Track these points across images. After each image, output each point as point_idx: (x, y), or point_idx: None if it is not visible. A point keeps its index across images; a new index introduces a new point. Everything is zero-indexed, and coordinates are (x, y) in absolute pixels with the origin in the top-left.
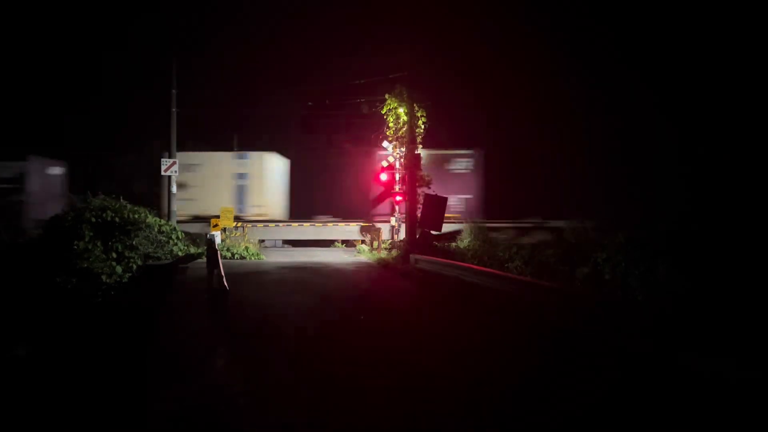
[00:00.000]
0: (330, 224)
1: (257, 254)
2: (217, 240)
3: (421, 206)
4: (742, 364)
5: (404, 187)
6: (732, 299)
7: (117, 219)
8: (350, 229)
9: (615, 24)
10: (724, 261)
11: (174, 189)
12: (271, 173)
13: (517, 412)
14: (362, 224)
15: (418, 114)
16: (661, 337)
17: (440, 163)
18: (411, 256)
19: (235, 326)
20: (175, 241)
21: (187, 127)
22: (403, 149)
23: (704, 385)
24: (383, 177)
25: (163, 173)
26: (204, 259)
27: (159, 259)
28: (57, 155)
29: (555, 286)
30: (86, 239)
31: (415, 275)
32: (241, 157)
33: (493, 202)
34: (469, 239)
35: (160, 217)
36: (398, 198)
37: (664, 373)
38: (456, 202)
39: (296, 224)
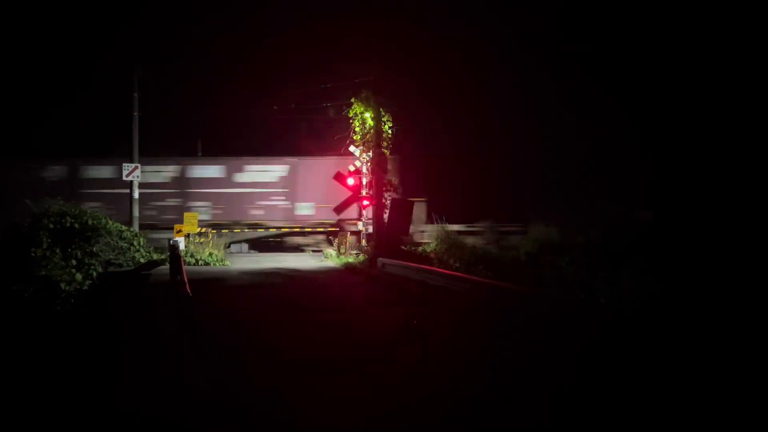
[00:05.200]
0: (296, 229)
1: (222, 260)
2: (181, 246)
3: (388, 210)
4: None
5: (371, 191)
6: (696, 300)
7: (76, 225)
8: (317, 234)
9: (577, 29)
10: (688, 264)
11: (136, 194)
12: None
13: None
14: (329, 229)
15: (384, 119)
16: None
17: None
18: (378, 260)
19: (198, 333)
20: (138, 247)
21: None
22: (370, 153)
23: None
24: (350, 181)
25: (124, 178)
26: (167, 266)
27: (121, 266)
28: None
29: (518, 288)
30: (44, 246)
31: (382, 279)
32: None
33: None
34: (436, 243)
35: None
36: (365, 202)
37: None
38: None
39: (262, 230)
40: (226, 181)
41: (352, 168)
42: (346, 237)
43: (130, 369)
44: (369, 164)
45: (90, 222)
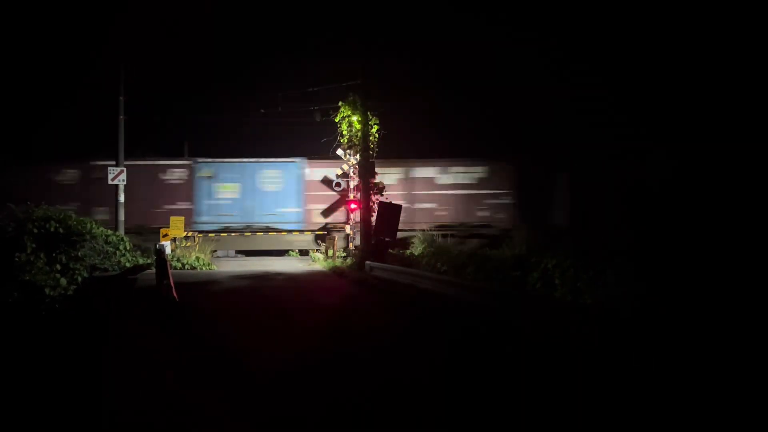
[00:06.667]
0: (284, 232)
1: (208, 264)
2: (167, 250)
3: (375, 214)
4: None
5: (358, 194)
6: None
7: (61, 229)
8: (305, 238)
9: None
10: (671, 265)
11: (122, 198)
12: None
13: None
14: (317, 232)
15: (372, 122)
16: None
17: None
18: (366, 263)
19: (184, 337)
20: (123, 251)
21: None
22: (358, 157)
23: None
24: (338, 184)
25: (110, 182)
26: (154, 270)
27: (106, 270)
28: None
29: (510, 290)
30: (28, 251)
31: (369, 283)
32: None
33: None
34: (422, 246)
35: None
36: (353, 206)
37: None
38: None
39: (249, 233)
40: None
41: (339, 171)
42: (334, 240)
43: (111, 373)
44: (356, 167)
45: (75, 226)
